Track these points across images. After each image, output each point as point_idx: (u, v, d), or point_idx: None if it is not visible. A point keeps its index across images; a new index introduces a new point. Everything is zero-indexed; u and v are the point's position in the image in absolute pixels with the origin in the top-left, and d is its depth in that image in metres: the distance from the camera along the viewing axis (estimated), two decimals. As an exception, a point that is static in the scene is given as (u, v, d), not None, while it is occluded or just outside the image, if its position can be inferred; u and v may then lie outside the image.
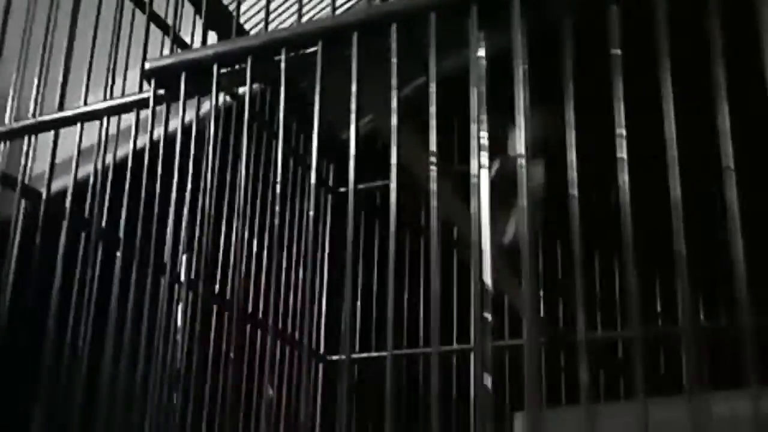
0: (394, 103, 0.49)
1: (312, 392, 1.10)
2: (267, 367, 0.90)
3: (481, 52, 0.50)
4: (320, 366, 1.13)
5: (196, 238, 0.63)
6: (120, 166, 0.67)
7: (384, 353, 0.55)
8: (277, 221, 0.67)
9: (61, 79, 0.73)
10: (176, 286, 0.61)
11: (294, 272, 1.07)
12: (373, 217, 1.02)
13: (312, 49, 0.52)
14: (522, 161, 0.47)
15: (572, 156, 0.46)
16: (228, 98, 0.81)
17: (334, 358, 1.13)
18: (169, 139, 0.58)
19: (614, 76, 0.47)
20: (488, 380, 0.44)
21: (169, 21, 0.76)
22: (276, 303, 0.98)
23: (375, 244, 1.07)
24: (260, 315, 0.96)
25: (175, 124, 0.57)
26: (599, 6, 0.48)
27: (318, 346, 1.13)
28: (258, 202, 0.90)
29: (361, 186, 0.75)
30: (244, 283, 0.89)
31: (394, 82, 0.48)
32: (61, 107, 0.70)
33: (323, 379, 1.13)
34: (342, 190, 1.18)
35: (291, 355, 1.02)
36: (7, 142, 0.72)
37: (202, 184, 0.60)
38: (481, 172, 0.48)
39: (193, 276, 0.61)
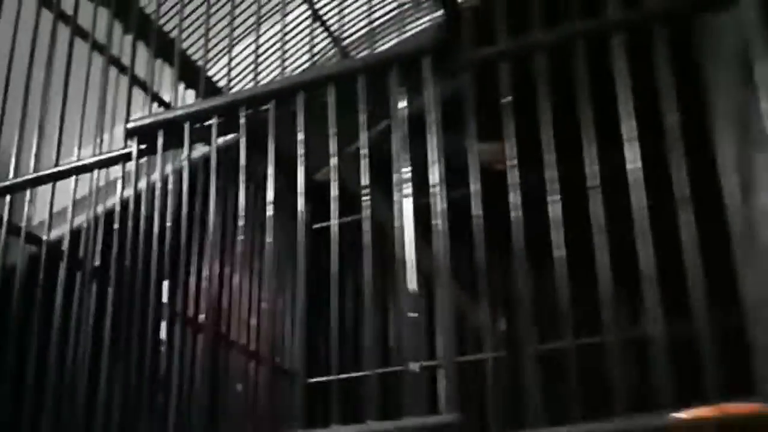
0: (332, 148, 0.60)
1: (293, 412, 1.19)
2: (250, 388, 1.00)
3: (402, 103, 0.62)
4: (299, 388, 1.22)
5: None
6: (110, 212, 0.78)
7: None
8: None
9: (56, 137, 0.84)
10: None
11: (276, 301, 1.17)
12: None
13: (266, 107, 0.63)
14: (437, 190, 0.58)
15: (476, 187, 0.57)
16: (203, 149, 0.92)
17: (313, 380, 1.23)
18: (154, 187, 0.69)
19: (505, 119, 0.58)
20: (416, 366, 0.54)
21: (150, 81, 0.87)
22: (263, 331, 1.08)
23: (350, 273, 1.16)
24: (241, 340, 1.05)
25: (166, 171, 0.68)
26: (493, 64, 0.60)
27: (296, 369, 1.22)
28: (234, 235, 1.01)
29: (333, 222, 0.85)
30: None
31: (332, 131, 0.59)
32: (57, 162, 0.80)
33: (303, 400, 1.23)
34: (316, 226, 1.29)
35: (274, 378, 1.12)
36: (8, 196, 0.83)
37: (183, 225, 0.70)
38: (404, 200, 0.59)
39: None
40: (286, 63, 1.03)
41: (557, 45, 0.60)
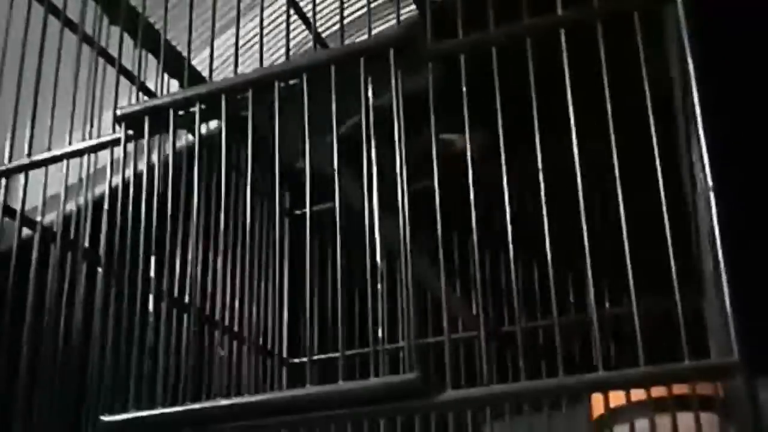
0: (306, 134, 0.66)
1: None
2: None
3: (370, 92, 0.67)
4: (284, 369, 1.28)
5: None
6: (102, 195, 0.83)
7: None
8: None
9: (48, 125, 0.89)
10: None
11: (259, 285, 1.22)
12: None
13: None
14: (401, 177, 0.64)
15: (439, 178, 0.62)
16: (190, 136, 0.97)
17: (296, 360, 1.29)
18: (141, 172, 0.74)
19: (465, 109, 0.64)
20: (380, 332, 0.60)
21: (136, 72, 0.92)
22: (245, 313, 1.13)
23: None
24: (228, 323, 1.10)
25: (151, 159, 0.73)
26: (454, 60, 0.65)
27: (281, 350, 1.28)
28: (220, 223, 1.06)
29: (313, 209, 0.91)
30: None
31: (305, 124, 0.64)
32: (49, 148, 0.85)
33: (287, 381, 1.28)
34: (297, 212, 1.34)
35: (257, 359, 1.17)
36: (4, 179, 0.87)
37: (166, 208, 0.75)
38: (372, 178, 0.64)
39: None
40: (269, 53, 1.08)
41: (513, 38, 0.65)
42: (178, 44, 1.06)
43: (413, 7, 1.20)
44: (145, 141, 0.72)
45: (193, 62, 1.04)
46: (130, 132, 0.74)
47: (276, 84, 0.69)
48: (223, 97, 0.71)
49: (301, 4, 1.35)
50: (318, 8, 1.30)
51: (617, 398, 0.57)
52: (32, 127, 0.90)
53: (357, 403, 0.57)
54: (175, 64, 0.98)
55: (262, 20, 0.89)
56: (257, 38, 1.08)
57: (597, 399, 0.70)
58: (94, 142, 0.79)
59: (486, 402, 0.54)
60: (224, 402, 0.63)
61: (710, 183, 0.55)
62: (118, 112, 0.75)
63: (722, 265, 0.54)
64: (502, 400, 0.53)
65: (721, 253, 0.53)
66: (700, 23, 0.62)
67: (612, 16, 0.63)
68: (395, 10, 1.07)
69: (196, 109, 0.72)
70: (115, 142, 0.75)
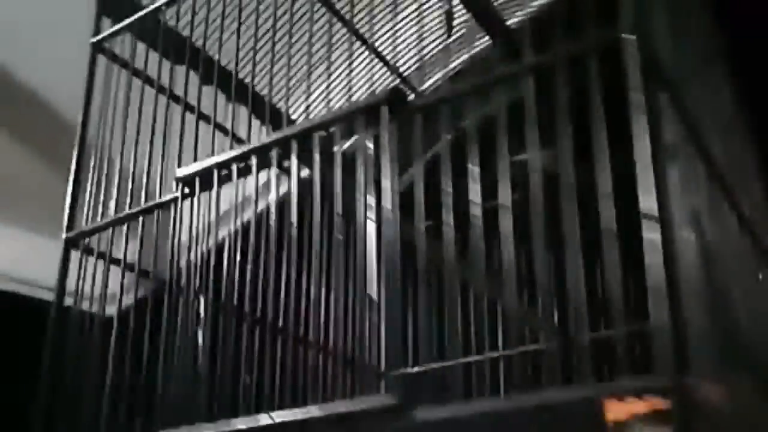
0: (315, 193, 0.76)
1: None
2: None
3: (369, 144, 0.76)
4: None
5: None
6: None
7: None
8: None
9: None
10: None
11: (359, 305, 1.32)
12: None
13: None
14: (390, 215, 0.72)
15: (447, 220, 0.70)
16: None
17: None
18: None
19: (443, 158, 0.71)
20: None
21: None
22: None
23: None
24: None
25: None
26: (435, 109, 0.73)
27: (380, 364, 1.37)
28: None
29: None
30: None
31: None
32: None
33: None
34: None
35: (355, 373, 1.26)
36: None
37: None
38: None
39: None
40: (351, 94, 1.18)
41: (480, 88, 0.72)
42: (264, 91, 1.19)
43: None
44: (195, 199, 0.85)
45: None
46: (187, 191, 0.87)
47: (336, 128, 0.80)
48: (254, 156, 0.83)
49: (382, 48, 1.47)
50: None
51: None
52: (146, 183, 1.06)
53: (342, 422, 0.65)
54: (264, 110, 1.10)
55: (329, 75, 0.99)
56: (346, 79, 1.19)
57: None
58: (166, 198, 0.93)
59: (455, 422, 0.61)
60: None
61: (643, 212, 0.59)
62: (178, 175, 0.89)
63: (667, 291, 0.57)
64: (470, 421, 0.60)
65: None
66: (649, 59, 0.66)
67: (573, 59, 0.68)
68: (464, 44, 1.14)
69: (233, 167, 0.84)
70: (174, 201, 0.89)
